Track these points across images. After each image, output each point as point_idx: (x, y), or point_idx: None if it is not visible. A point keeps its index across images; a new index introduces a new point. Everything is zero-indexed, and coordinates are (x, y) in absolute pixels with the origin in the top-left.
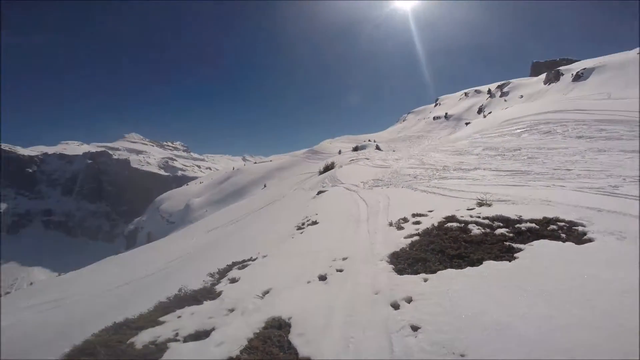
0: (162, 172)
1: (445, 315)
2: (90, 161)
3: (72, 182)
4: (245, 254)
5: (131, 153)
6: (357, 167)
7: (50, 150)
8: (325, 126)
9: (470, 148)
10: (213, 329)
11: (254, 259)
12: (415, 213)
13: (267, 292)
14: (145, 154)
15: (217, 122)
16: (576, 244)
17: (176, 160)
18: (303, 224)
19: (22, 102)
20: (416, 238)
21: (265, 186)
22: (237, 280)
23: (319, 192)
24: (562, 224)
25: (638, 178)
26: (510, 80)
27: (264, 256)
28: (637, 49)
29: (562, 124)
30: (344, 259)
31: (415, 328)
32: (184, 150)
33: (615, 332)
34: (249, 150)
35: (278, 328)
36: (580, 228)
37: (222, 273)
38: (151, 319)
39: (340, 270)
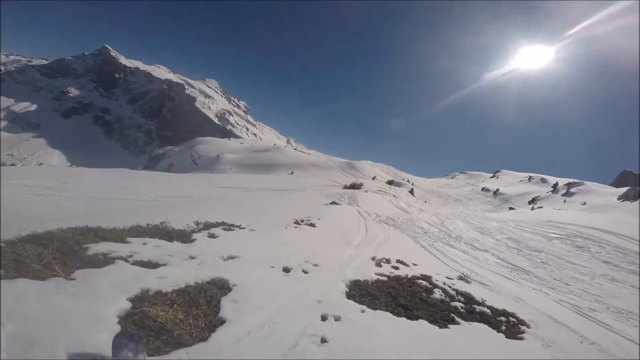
0: (215, 119)
1: (354, 341)
2: (165, 87)
3: (142, 96)
4: (238, 221)
5: (201, 94)
6: (380, 199)
7: (143, 67)
8: (373, 147)
9: (496, 232)
10: (165, 265)
11: (242, 228)
12: (400, 260)
13: (232, 258)
14: (212, 100)
15: (285, 101)
16: (506, 337)
17: (232, 116)
18: (302, 220)
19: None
20: (384, 278)
21: (292, 173)
22: (215, 237)
23: (332, 203)
24: (513, 319)
25: (620, 312)
26: (585, 182)
27: (252, 230)
28: None
29: (600, 245)
30: (315, 265)
31: (324, 340)
32: (244, 111)
33: None
34: (297, 135)
35: (219, 288)
36: (523, 327)
37: (207, 226)
38: (120, 235)
39: (305, 272)
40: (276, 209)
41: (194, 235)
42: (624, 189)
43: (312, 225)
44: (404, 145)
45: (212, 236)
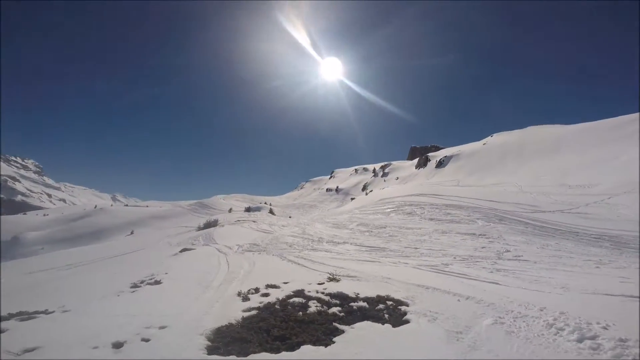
0: None
1: None
2: None
3: None
4: (45, 305)
5: None
6: (239, 228)
7: None
8: (226, 181)
9: (348, 222)
10: None
11: (50, 312)
12: (269, 284)
13: (30, 350)
14: None
15: (90, 149)
16: (393, 326)
17: (19, 182)
18: (142, 281)
19: None
20: (254, 312)
21: (132, 233)
22: (3, 332)
23: (183, 250)
24: (390, 302)
25: (464, 258)
26: (392, 162)
27: (65, 311)
28: (483, 140)
29: (420, 207)
30: (162, 327)
31: None
32: (35, 172)
33: None
34: (124, 189)
35: None
36: (403, 308)
37: None
38: None
39: (147, 340)
40: (107, 278)
41: None
42: (416, 160)
43: (157, 282)
44: (252, 172)
45: None
